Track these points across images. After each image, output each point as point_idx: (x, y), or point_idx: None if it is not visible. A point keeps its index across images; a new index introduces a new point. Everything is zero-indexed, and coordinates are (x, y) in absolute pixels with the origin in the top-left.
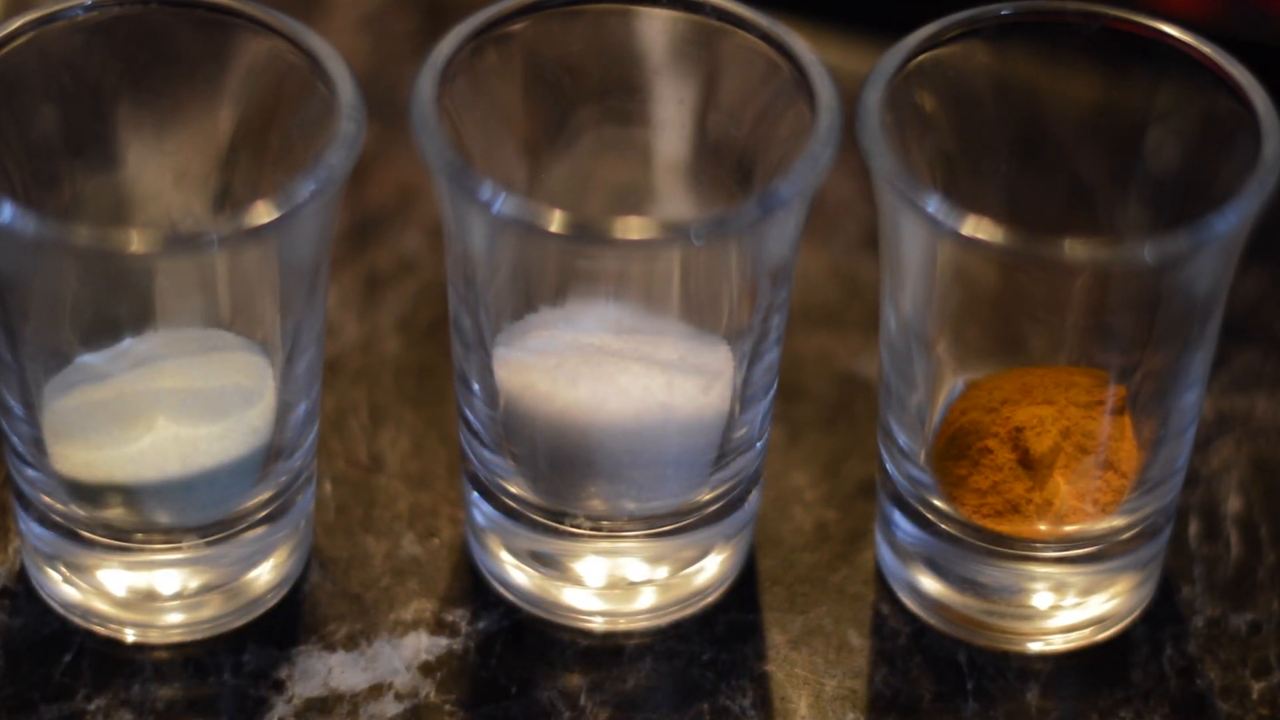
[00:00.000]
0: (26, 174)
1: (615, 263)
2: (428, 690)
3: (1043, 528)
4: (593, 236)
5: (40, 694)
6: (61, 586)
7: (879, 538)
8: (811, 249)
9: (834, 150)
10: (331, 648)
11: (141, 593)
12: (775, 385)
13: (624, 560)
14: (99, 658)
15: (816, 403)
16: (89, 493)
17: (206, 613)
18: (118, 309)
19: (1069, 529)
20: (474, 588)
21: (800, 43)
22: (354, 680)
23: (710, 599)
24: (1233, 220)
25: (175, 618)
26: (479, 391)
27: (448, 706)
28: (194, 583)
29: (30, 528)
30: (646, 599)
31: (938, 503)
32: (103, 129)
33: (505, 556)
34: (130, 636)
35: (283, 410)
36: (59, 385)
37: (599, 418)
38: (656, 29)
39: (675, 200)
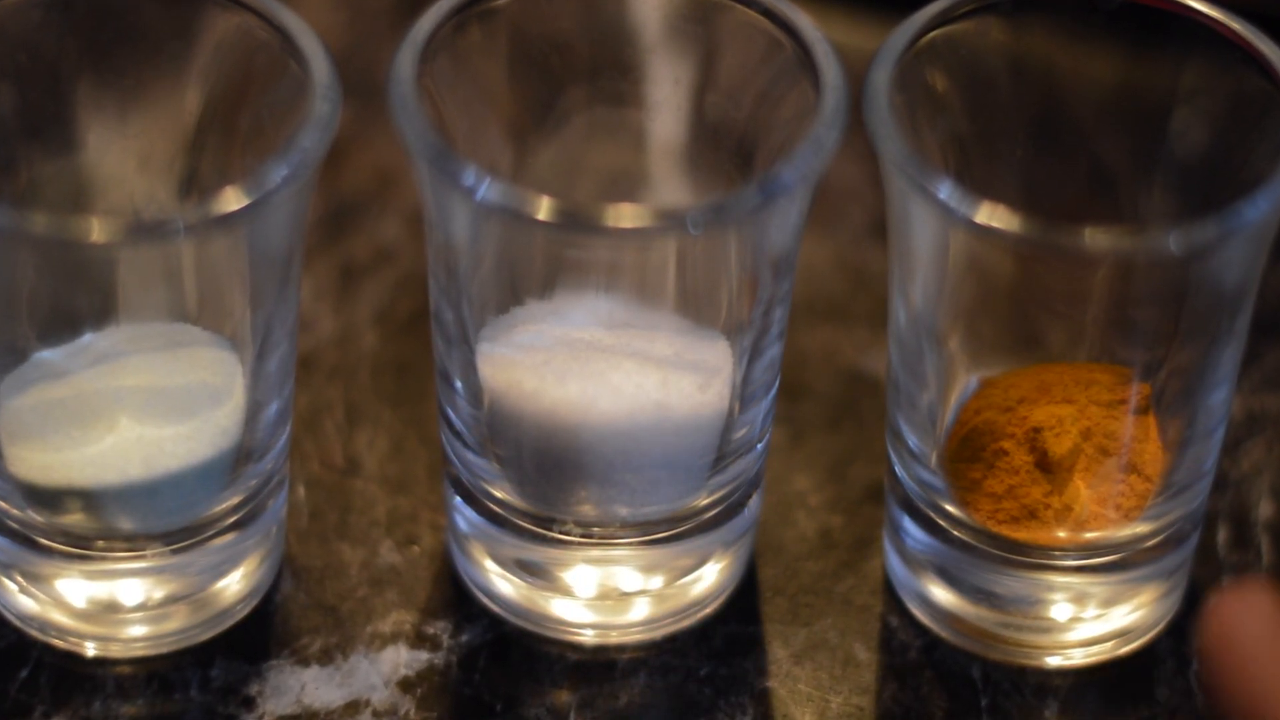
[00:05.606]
0: None
1: (607, 253)
2: (407, 708)
3: (1062, 535)
4: (583, 225)
5: None
6: (18, 597)
7: (887, 545)
8: (816, 238)
9: (839, 133)
10: (305, 662)
11: (103, 604)
12: (777, 383)
13: (616, 569)
14: (57, 673)
15: (821, 402)
16: (47, 497)
17: (172, 625)
18: (77, 302)
19: (1090, 536)
20: (456, 598)
21: (804, 19)
22: (329, 697)
23: (708, 610)
24: (1263, 207)
25: (138, 630)
26: (462, 390)
27: None
28: (158, 593)
29: None
30: (640, 610)
31: (950, 508)
32: (62, 110)
33: (490, 565)
34: (91, 650)
35: (253, 410)
36: (14, 383)
37: (589, 417)
38: (651, 4)
39: (671, 186)
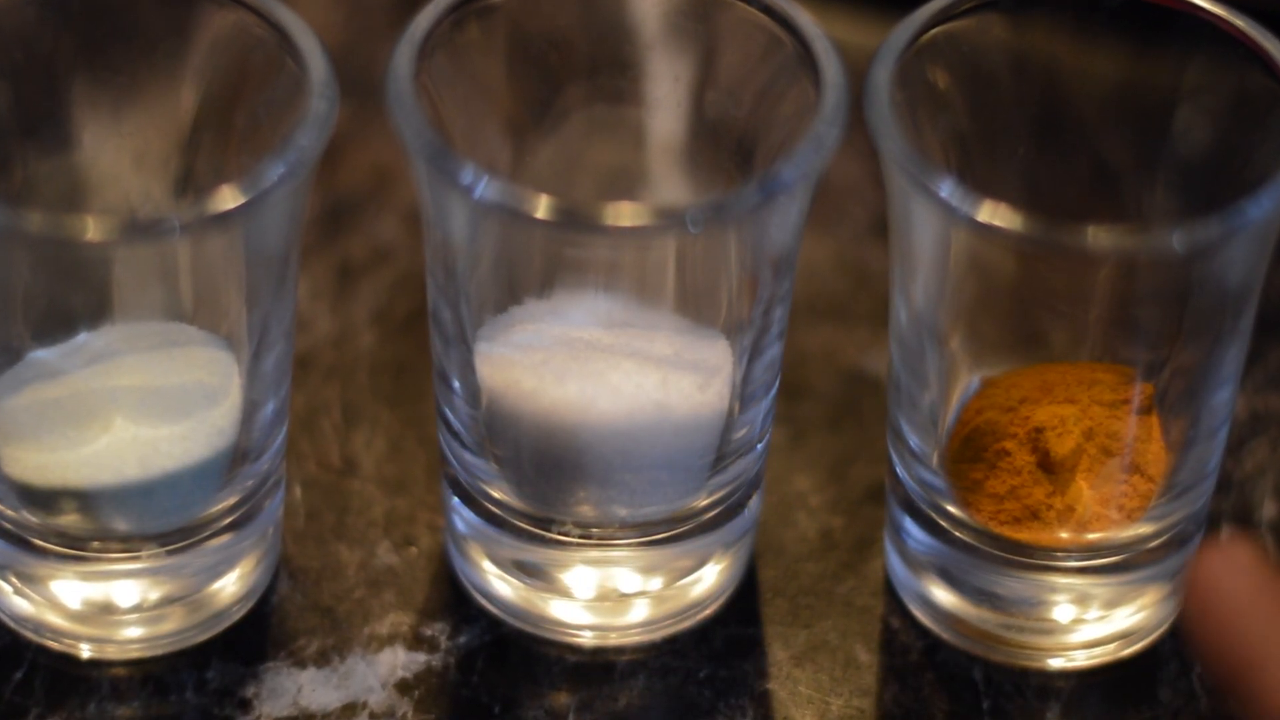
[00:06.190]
0: None
1: (606, 252)
2: (405, 710)
3: (1064, 535)
4: (582, 224)
5: None
6: (12, 599)
7: (888, 546)
8: (816, 237)
9: (840, 131)
10: (301, 664)
11: (98, 605)
12: (777, 383)
13: (615, 570)
14: (52, 675)
15: (821, 401)
16: (41, 498)
17: (167, 627)
18: (72, 301)
19: (1092, 537)
20: (454, 600)
21: (804, 16)
22: (325, 699)
23: (708, 612)
24: (1267, 206)
25: (134, 632)
26: (460, 389)
27: None
28: (154, 594)
29: None
30: (639, 612)
31: (951, 508)
32: (57, 108)
33: (488, 566)
34: (86, 652)
35: (249, 410)
36: (9, 382)
37: (588, 417)
38: (650, 1)
39: (670, 184)
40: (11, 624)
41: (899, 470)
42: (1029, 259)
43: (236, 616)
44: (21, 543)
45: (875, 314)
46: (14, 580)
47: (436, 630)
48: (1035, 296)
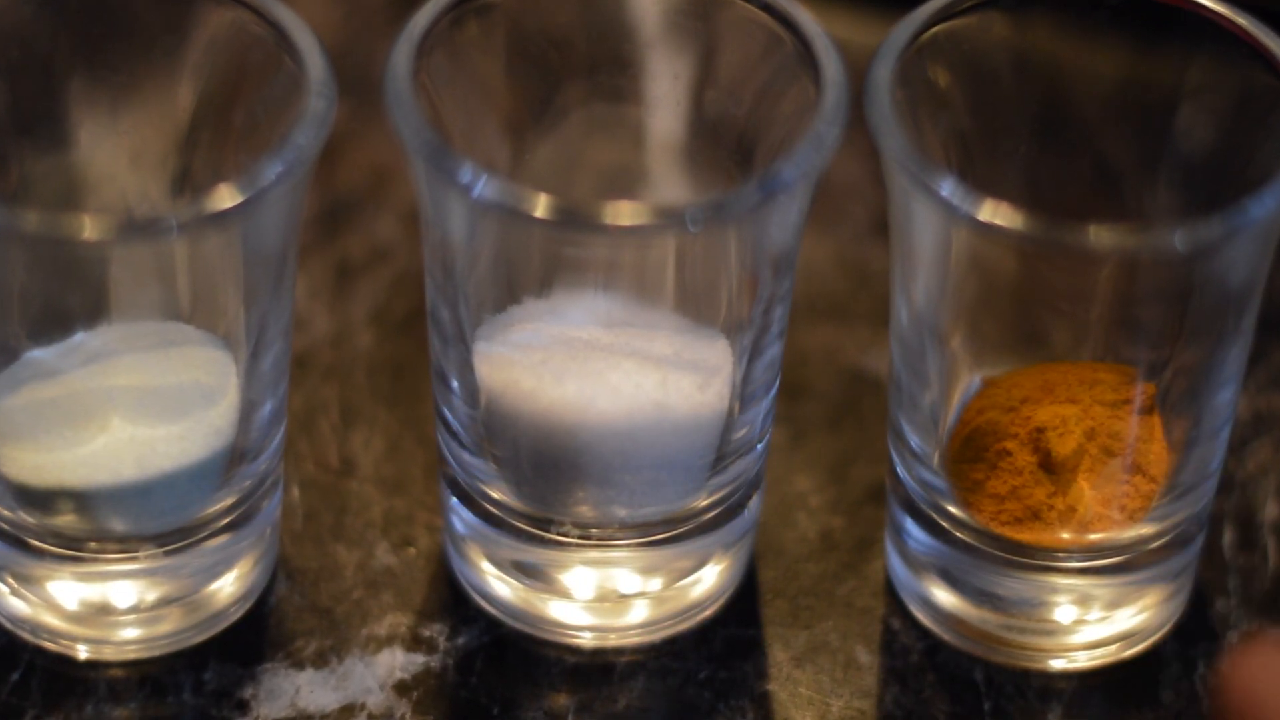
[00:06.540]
0: None
1: (605, 251)
2: (403, 711)
3: (1065, 536)
4: (581, 222)
5: None
6: (9, 599)
7: (889, 547)
8: (816, 236)
9: (840, 129)
10: (299, 665)
11: (95, 606)
12: (777, 383)
13: (615, 571)
14: (49, 676)
15: (822, 401)
16: (38, 498)
17: (165, 628)
18: (69, 300)
19: (1094, 537)
20: (453, 601)
21: (804, 14)
22: (324, 700)
23: (707, 613)
24: (1270, 205)
25: (131, 633)
26: (458, 389)
27: None
28: (151, 595)
29: None
30: (639, 613)
31: (952, 509)
32: (54, 107)
33: (487, 567)
34: (83, 653)
35: (247, 409)
36: (5, 382)
37: (588, 417)
38: None
39: (670, 183)
40: (8, 625)
41: (900, 470)
42: (1030, 258)
43: (234, 617)
44: (18, 543)
45: (875, 314)
46: (11, 581)
47: (435, 631)
48: (1037, 296)
